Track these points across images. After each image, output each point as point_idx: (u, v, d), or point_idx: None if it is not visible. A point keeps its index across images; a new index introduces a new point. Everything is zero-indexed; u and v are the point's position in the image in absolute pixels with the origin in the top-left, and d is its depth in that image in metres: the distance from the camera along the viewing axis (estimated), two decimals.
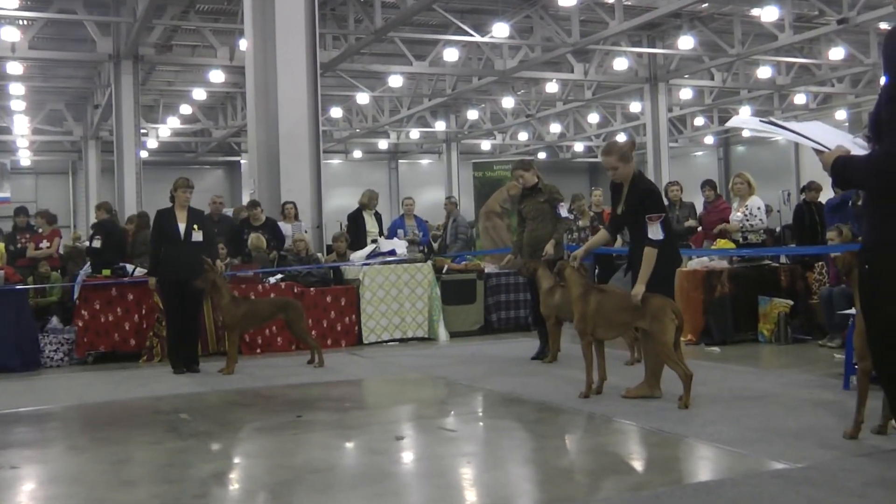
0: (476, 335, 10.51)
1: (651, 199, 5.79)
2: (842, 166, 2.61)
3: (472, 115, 29.03)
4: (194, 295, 8.04)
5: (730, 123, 4.26)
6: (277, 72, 12.00)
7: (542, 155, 35.15)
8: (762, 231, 9.59)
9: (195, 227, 8.06)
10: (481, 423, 5.74)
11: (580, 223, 11.45)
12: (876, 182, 2.51)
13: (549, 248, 7.87)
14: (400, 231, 12.09)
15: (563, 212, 8.09)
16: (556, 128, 31.58)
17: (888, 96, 2.58)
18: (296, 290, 9.70)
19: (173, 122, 27.15)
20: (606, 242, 6.54)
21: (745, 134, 32.14)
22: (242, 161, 31.27)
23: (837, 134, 2.94)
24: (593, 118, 29.75)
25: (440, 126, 30.47)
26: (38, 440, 5.43)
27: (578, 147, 35.30)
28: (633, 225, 5.90)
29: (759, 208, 9.47)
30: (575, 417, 5.51)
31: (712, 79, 23.15)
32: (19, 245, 11.56)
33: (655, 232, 5.70)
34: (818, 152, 2.74)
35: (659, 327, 5.56)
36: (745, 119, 4.85)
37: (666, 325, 5.55)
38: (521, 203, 8.19)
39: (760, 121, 3.45)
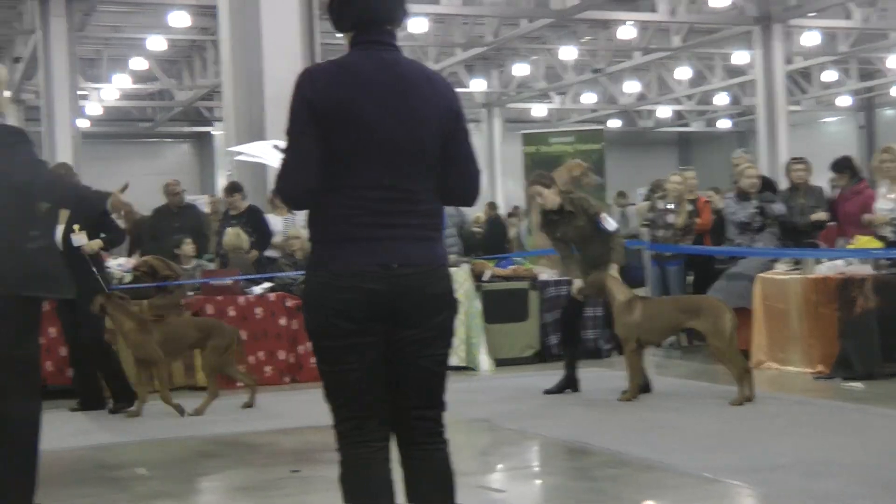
0: (529, 363, 10.47)
1: None
2: None
3: (521, 70, 28.99)
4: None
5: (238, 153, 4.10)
6: (261, 12, 12.05)
7: (614, 123, 35.04)
8: None
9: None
10: (537, 482, 5.72)
11: (671, 218, 10.90)
12: None
13: (613, 274, 8.06)
14: None
15: (610, 224, 8.30)
16: (632, 87, 31.45)
17: None
18: (288, 304, 9.76)
19: (122, 81, 27.40)
20: None
21: (894, 92, 31.80)
22: (216, 133, 31.50)
23: None
24: (683, 73, 29.60)
25: (478, 86, 30.46)
26: None
27: (663, 112, 35.11)
28: None
29: None
30: (664, 476, 5.47)
31: (849, 17, 22.92)
32: None
33: None
34: None
35: None
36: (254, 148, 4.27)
37: None
38: (557, 229, 8.40)
39: (275, 146, 3.47)
